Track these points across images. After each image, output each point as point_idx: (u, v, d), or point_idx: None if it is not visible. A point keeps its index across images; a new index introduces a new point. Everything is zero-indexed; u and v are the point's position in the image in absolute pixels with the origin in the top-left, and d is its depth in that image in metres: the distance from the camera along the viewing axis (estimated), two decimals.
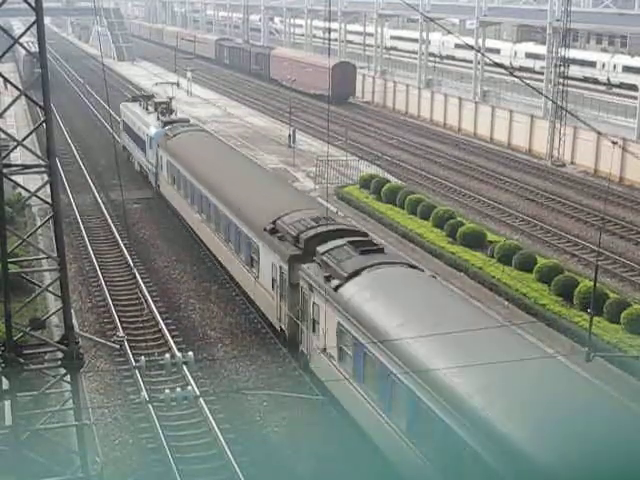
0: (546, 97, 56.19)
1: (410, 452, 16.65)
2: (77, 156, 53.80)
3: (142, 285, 30.20)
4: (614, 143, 39.84)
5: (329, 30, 69.91)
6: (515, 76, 51.64)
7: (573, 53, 58.14)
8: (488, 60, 63.79)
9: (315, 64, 79.45)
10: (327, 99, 60.11)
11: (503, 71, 62.93)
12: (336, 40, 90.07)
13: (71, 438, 16.23)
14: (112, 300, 29.12)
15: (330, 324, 20.52)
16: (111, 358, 24.85)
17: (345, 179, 47.15)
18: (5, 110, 16.09)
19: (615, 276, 32.35)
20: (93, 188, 44.93)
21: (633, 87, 59.29)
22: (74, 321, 14.35)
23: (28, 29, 13.75)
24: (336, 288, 20.50)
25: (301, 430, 20.99)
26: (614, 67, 70.17)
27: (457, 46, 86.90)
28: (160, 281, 31.80)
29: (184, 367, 20.53)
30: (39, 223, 19.00)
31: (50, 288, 14.94)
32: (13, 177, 13.75)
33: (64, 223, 15.78)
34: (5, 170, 13.35)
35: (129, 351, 24.36)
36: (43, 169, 13.80)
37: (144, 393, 21.42)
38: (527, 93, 60.31)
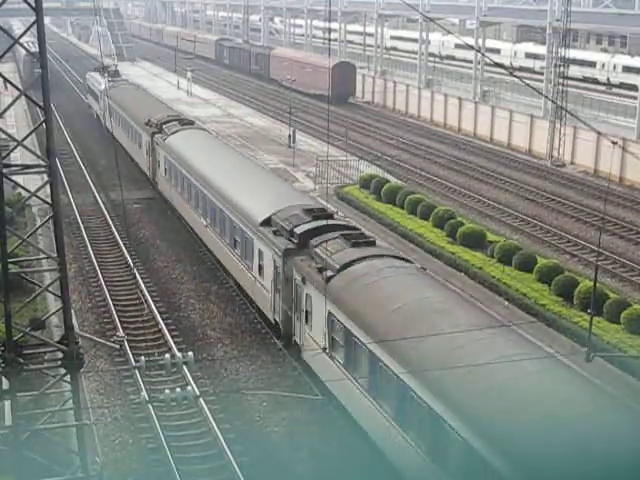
0: (546, 97, 56.21)
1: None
2: (77, 156, 53.82)
3: (142, 285, 30.20)
4: (614, 143, 39.85)
5: (329, 30, 69.92)
6: (515, 76, 51.58)
7: (573, 53, 58.14)
8: (488, 60, 63.81)
9: (315, 64, 79.47)
10: (327, 99, 60.09)
11: (503, 71, 62.94)
12: (336, 40, 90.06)
13: (71, 438, 16.24)
14: (112, 300, 29.12)
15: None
16: (111, 358, 24.85)
17: (345, 179, 47.16)
18: (5, 110, 16.10)
19: (615, 276, 32.36)
20: (93, 188, 44.94)
21: (633, 87, 59.31)
22: (74, 321, 14.35)
23: (28, 29, 13.76)
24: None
25: (301, 430, 20.99)
26: (614, 67, 70.20)
27: (457, 46, 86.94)
28: (160, 281, 31.80)
29: (184, 367, 20.57)
30: (39, 223, 19.03)
31: (50, 288, 14.95)
32: (13, 177, 13.76)
33: (64, 223, 15.78)
34: (5, 170, 13.35)
35: (129, 351, 24.37)
36: (43, 169, 13.80)
37: (144, 393, 21.42)
38: (527, 93, 60.32)
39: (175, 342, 25.65)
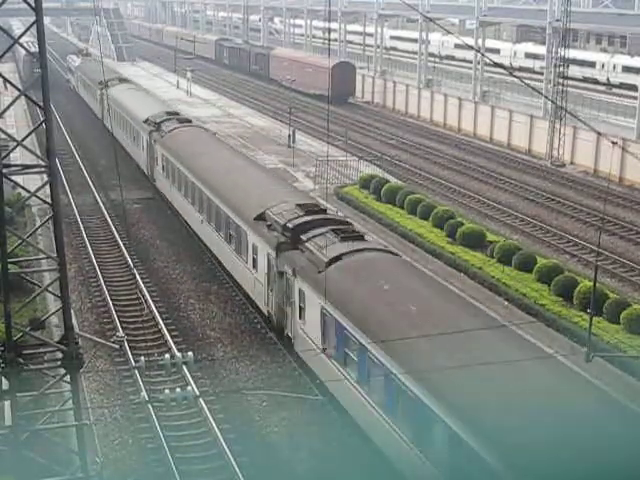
0: (546, 97, 56.22)
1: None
2: (77, 156, 53.82)
3: (142, 285, 30.20)
4: (614, 143, 39.87)
5: (329, 30, 69.89)
6: (515, 76, 51.56)
7: (573, 53, 58.13)
8: (488, 60, 63.81)
9: (315, 64, 79.47)
10: (327, 99, 60.11)
11: (503, 71, 62.95)
12: (336, 40, 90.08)
13: (71, 438, 16.23)
14: (112, 300, 29.12)
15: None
16: (111, 358, 24.85)
17: (345, 179, 47.16)
18: (5, 110, 16.08)
19: (615, 276, 32.36)
20: (93, 188, 44.94)
21: (633, 87, 59.32)
22: (74, 321, 14.34)
23: (28, 29, 13.74)
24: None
25: (301, 430, 20.99)
26: (614, 67, 70.20)
27: (457, 46, 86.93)
28: (160, 281, 31.80)
29: (184, 367, 20.57)
30: (39, 223, 19.02)
31: (50, 288, 14.94)
32: (13, 177, 13.75)
33: (64, 223, 15.77)
34: (5, 170, 13.34)
35: (129, 351, 24.38)
36: (43, 169, 13.80)
37: (144, 393, 21.42)
38: (527, 93, 60.34)
39: (175, 342, 25.65)
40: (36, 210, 37.57)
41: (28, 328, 15.61)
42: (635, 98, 53.55)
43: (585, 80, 69.38)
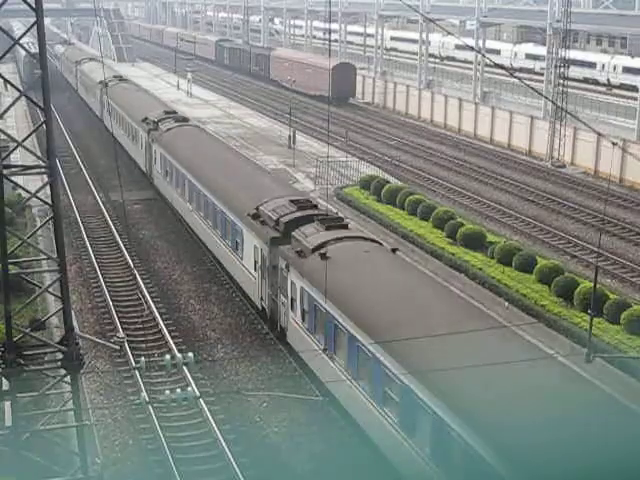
0: (546, 98, 56.22)
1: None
2: (77, 157, 53.84)
3: (142, 286, 30.20)
4: (614, 144, 39.88)
5: (329, 31, 69.94)
6: (515, 77, 51.57)
7: (573, 54, 58.16)
8: (488, 61, 63.80)
9: (315, 65, 79.46)
10: (327, 100, 60.12)
11: (503, 72, 62.95)
12: (336, 41, 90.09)
13: (71, 439, 16.23)
14: (112, 301, 29.11)
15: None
16: (111, 359, 24.84)
17: (345, 180, 47.15)
18: (5, 111, 16.08)
19: (615, 277, 32.36)
20: (93, 189, 44.95)
21: (633, 88, 59.30)
22: (74, 322, 14.34)
23: (28, 30, 13.75)
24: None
25: (301, 430, 20.99)
26: (614, 68, 70.14)
27: (457, 47, 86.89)
28: (160, 282, 31.79)
29: (184, 368, 20.59)
30: (39, 224, 19.03)
31: (50, 289, 14.94)
32: (13, 178, 13.75)
33: (64, 224, 15.77)
34: (5, 171, 13.35)
35: (129, 352, 24.38)
36: (43, 170, 13.80)
37: (144, 394, 21.39)
38: (527, 94, 60.33)
39: (175, 343, 25.65)
40: (36, 211, 37.57)
41: (28, 329, 15.61)
42: (635, 99, 53.55)
43: (585, 81, 69.33)
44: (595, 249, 34.47)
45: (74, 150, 56.00)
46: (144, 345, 25.15)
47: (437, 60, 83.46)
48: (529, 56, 79.05)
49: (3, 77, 14.33)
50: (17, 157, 25.98)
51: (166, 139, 40.63)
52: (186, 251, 35.24)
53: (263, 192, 29.02)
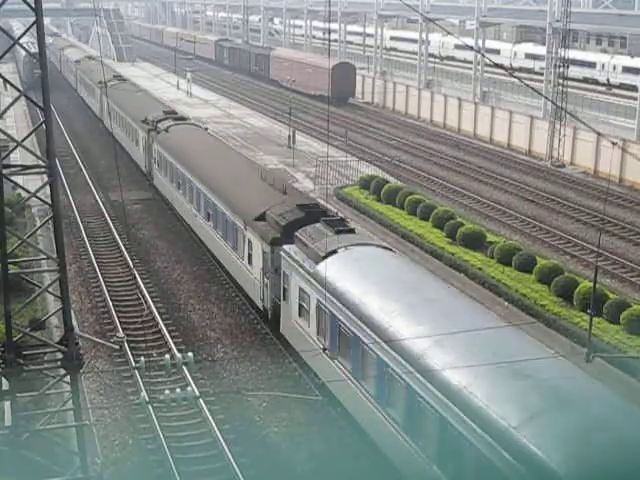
0: (546, 98, 56.22)
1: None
2: (77, 157, 53.83)
3: (142, 285, 30.20)
4: (614, 144, 39.87)
5: (329, 31, 69.94)
6: (515, 77, 51.56)
7: (573, 54, 58.15)
8: (488, 61, 63.79)
9: (315, 65, 79.48)
10: (327, 100, 60.13)
11: (503, 72, 62.95)
12: (336, 41, 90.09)
13: (71, 439, 16.23)
14: (112, 301, 29.11)
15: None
16: (111, 359, 24.84)
17: (345, 180, 47.16)
18: (5, 111, 16.08)
19: (615, 277, 32.36)
20: (93, 189, 44.95)
21: (633, 88, 59.31)
22: (74, 322, 14.33)
23: (28, 30, 13.74)
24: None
25: (301, 430, 20.99)
26: (614, 68, 70.20)
27: (457, 47, 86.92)
28: (160, 282, 31.79)
29: (184, 368, 20.57)
30: (39, 224, 19.03)
31: (50, 289, 14.93)
32: (13, 178, 13.75)
33: (64, 224, 15.76)
34: (5, 171, 13.34)
35: (129, 352, 24.38)
36: (43, 170, 13.79)
37: (144, 394, 21.38)
38: (527, 94, 60.33)
39: (175, 342, 25.65)
40: (36, 211, 37.57)
41: (28, 329, 15.61)
42: (635, 99, 53.56)
43: (585, 81, 69.37)
44: (595, 249, 34.47)
45: (73, 150, 56.01)
46: (144, 345, 25.15)
47: (437, 60, 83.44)
48: (529, 56, 79.12)
49: (3, 77, 14.32)
50: (17, 157, 25.99)
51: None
52: (186, 251, 35.24)
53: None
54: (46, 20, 22.23)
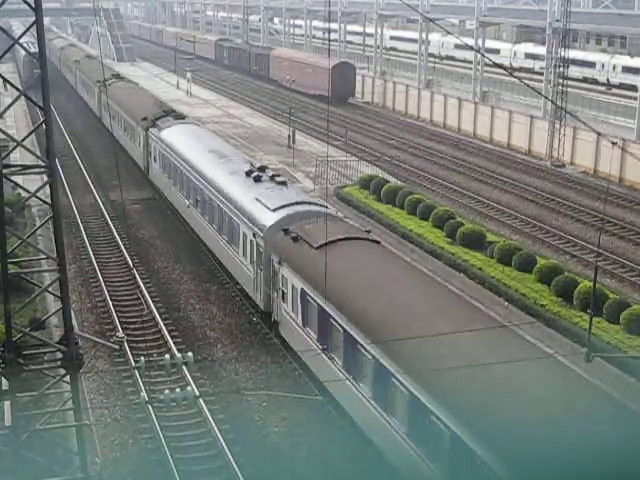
0: (545, 98, 56.22)
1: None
2: (77, 157, 53.84)
3: (142, 285, 30.20)
4: (614, 143, 39.87)
5: (329, 30, 69.94)
6: (514, 76, 51.53)
7: (572, 54, 58.15)
8: (488, 61, 63.77)
9: (315, 64, 79.47)
10: (327, 99, 60.14)
11: (503, 72, 62.94)
12: (336, 40, 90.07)
13: (71, 438, 16.23)
14: (112, 300, 29.11)
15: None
16: (111, 359, 24.84)
17: (345, 179, 47.16)
18: (5, 111, 16.08)
19: (615, 276, 32.37)
20: (93, 189, 44.95)
21: (632, 87, 59.32)
22: (74, 322, 14.34)
23: (28, 29, 13.74)
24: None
25: (300, 430, 20.99)
26: (613, 67, 70.23)
27: (457, 46, 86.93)
28: (160, 281, 31.79)
29: (183, 367, 20.57)
30: (39, 224, 19.02)
31: (50, 288, 14.93)
32: (13, 177, 13.75)
33: (64, 223, 15.77)
34: (5, 170, 13.34)
35: (129, 352, 24.38)
36: (43, 169, 13.80)
37: (144, 393, 21.40)
38: (527, 94, 60.33)
39: (175, 342, 25.65)
40: (36, 210, 37.57)
41: (28, 328, 15.61)
42: (635, 98, 53.54)
43: (585, 80, 69.38)
44: (595, 248, 34.48)
45: (73, 150, 56.01)
46: (143, 345, 25.15)
47: (436, 60, 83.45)
48: (528, 55, 79.16)
49: (3, 77, 14.32)
50: (16, 157, 25.98)
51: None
52: (185, 250, 35.23)
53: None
54: (46, 20, 22.19)
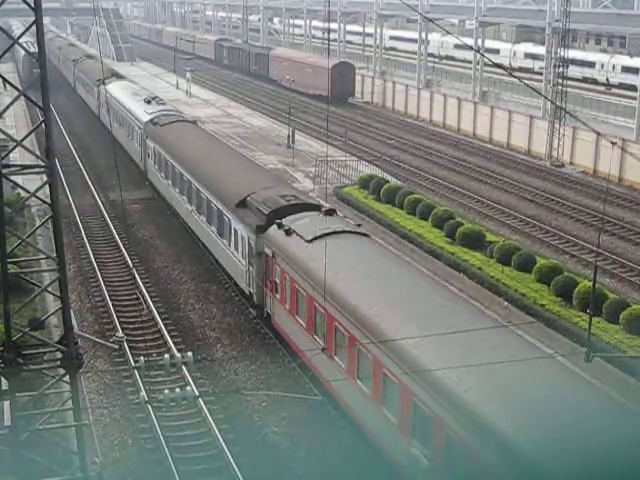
0: (545, 97, 56.23)
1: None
2: (76, 157, 53.83)
3: (141, 285, 30.19)
4: (613, 143, 39.87)
5: (328, 30, 69.93)
6: (514, 76, 51.70)
7: (572, 53, 58.12)
8: (487, 60, 63.77)
9: (314, 64, 79.44)
10: (326, 99, 60.14)
11: (502, 71, 62.92)
12: (335, 40, 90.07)
13: (70, 438, 16.23)
14: (111, 300, 29.11)
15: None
16: (110, 359, 24.84)
17: (344, 179, 47.16)
18: (4, 110, 16.07)
19: (614, 276, 32.37)
20: (92, 189, 44.95)
21: (632, 87, 59.30)
22: (73, 321, 14.34)
23: (27, 29, 13.74)
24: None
25: (300, 430, 20.99)
26: (613, 67, 70.19)
27: (456, 46, 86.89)
28: (159, 281, 31.79)
29: (183, 367, 20.57)
30: (38, 223, 19.01)
31: (49, 288, 14.93)
32: (12, 177, 13.74)
33: (63, 223, 15.77)
34: (4, 170, 13.34)
35: (128, 351, 24.38)
36: (42, 169, 13.79)
37: (143, 393, 21.38)
38: (526, 93, 60.32)
39: (174, 342, 25.65)
40: (35, 210, 37.56)
41: (27, 328, 15.61)
42: (634, 98, 53.51)
43: (584, 80, 69.37)
44: (594, 248, 34.48)
45: (72, 149, 56.00)
46: (143, 345, 25.15)
47: (436, 59, 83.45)
48: (528, 55, 79.09)
49: (2, 76, 14.32)
50: (16, 156, 25.96)
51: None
52: (185, 250, 35.23)
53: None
54: (45, 20, 22.20)
